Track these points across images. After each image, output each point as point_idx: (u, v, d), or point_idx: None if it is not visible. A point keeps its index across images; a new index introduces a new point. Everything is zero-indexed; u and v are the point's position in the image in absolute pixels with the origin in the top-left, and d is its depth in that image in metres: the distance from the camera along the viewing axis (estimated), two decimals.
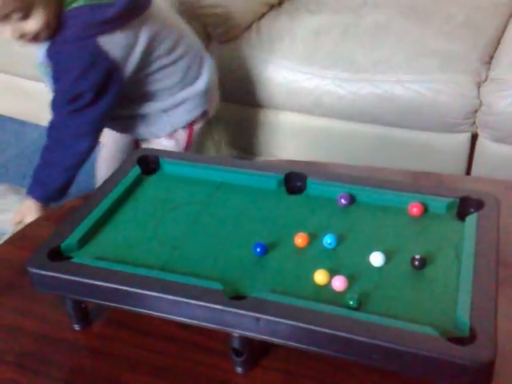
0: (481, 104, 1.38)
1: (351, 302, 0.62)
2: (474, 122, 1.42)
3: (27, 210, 1.16)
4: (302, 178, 0.80)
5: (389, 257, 0.68)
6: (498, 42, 1.49)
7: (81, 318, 0.73)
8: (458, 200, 0.74)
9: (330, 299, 0.63)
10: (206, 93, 1.26)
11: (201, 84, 1.25)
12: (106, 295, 0.66)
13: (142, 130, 1.26)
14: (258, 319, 0.60)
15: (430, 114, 1.42)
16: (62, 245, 0.72)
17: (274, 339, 0.61)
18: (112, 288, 0.65)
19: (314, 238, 0.72)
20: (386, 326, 0.58)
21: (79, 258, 0.70)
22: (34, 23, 1.03)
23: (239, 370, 0.66)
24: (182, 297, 0.63)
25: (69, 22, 1.05)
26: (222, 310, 0.62)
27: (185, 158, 0.87)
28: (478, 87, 1.38)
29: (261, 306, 0.61)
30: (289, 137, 1.60)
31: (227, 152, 1.68)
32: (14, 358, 0.71)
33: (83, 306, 0.73)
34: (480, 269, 0.64)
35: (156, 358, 0.70)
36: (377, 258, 0.67)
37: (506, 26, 1.55)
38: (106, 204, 0.79)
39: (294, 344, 0.61)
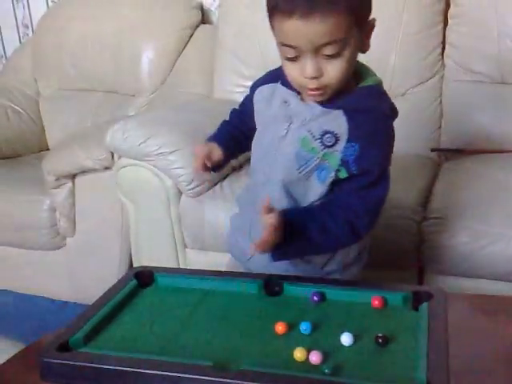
0: (422, 240, 1.59)
1: (326, 370, 0.73)
2: (418, 258, 1.61)
3: None
4: (279, 283, 0.94)
5: (356, 339, 0.80)
6: (430, 191, 1.76)
7: None
8: (411, 293, 0.89)
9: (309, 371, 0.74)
10: None
11: None
12: (114, 379, 0.74)
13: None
14: None
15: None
16: (70, 339, 0.80)
17: None
18: (120, 371, 0.74)
19: (291, 327, 0.83)
20: None
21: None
22: None
23: None
24: (179, 373, 0.73)
25: None
26: (212, 381, 0.71)
27: (176, 272, 1.00)
28: (418, 226, 1.60)
29: (248, 375, 0.71)
30: None
31: None
32: None
33: None
34: (433, 342, 0.77)
35: None
36: (347, 338, 0.79)
37: (434, 179, 1.84)
38: (105, 311, 0.89)
39: None
